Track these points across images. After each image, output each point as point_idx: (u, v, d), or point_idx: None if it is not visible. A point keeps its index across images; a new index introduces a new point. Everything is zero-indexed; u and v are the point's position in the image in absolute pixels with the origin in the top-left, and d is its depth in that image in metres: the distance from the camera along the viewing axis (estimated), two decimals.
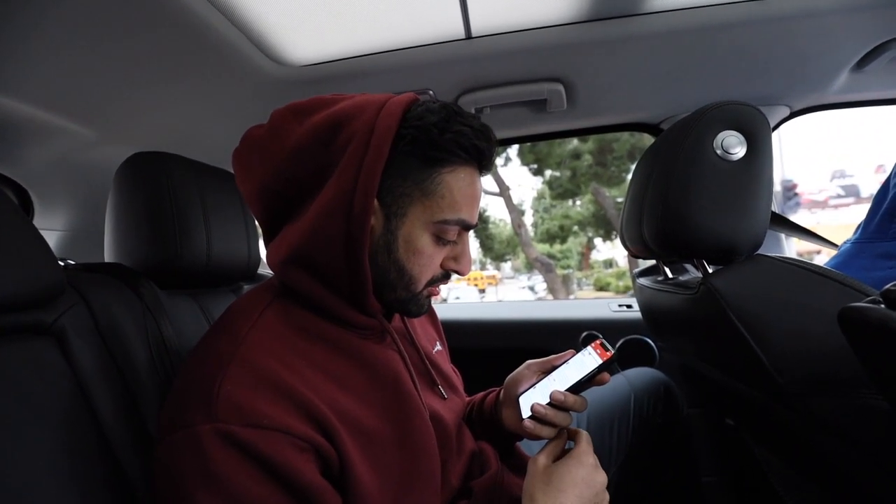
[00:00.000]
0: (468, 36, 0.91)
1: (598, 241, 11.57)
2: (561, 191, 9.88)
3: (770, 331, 0.58)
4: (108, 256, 0.77)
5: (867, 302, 0.46)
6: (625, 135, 8.20)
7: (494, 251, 11.72)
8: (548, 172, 9.80)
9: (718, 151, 0.65)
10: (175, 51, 0.81)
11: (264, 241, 0.60)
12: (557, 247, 11.17)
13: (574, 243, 11.37)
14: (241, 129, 0.59)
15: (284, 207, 0.55)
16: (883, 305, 0.44)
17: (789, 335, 0.57)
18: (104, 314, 0.59)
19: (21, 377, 0.49)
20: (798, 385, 0.55)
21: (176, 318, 0.70)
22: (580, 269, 11.92)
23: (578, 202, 10.67)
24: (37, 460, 0.46)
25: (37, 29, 0.70)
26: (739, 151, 0.64)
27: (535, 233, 11.29)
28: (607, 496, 0.57)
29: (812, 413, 0.55)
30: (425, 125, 0.51)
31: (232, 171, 0.86)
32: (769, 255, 0.64)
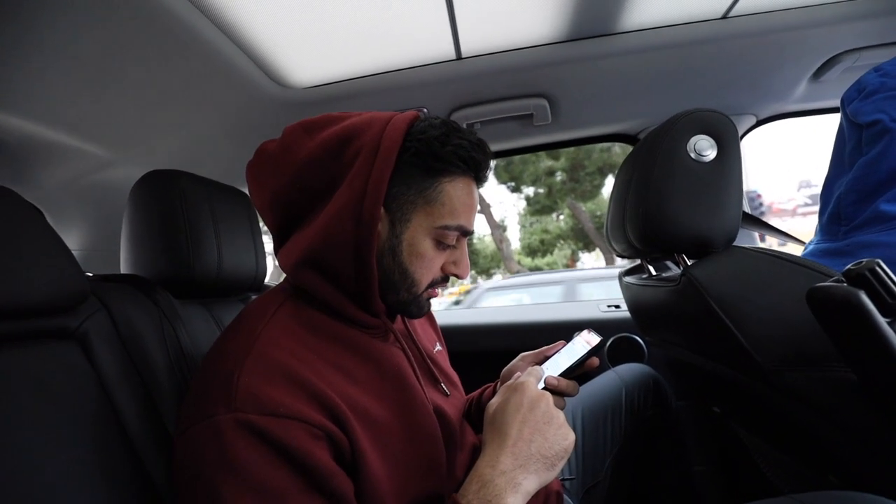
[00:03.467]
0: (458, 56, 0.98)
1: (580, 253, 11.87)
2: (539, 207, 10.19)
3: (746, 313, 0.63)
4: (124, 269, 0.80)
5: (831, 282, 0.52)
6: (595, 152, 8.52)
7: (479, 266, 11.89)
8: (527, 189, 10.10)
9: (692, 154, 0.71)
10: (185, 74, 0.86)
11: (274, 247, 0.64)
12: (547, 259, 11.46)
13: (559, 255, 11.61)
14: (249, 149, 0.63)
15: (295, 215, 0.59)
16: (845, 284, 0.50)
17: (764, 316, 0.62)
18: (124, 320, 0.62)
19: (49, 378, 0.51)
20: (774, 362, 0.60)
21: (189, 325, 0.72)
22: None
23: (560, 217, 10.93)
24: (66, 455, 0.48)
25: (56, 55, 0.74)
26: (710, 154, 0.71)
27: (521, 247, 11.48)
28: (561, 415, 0.55)
29: (788, 388, 0.60)
30: (428, 139, 0.56)
31: (240, 189, 0.91)
32: (743, 245, 0.70)
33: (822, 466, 0.71)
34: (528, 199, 10.21)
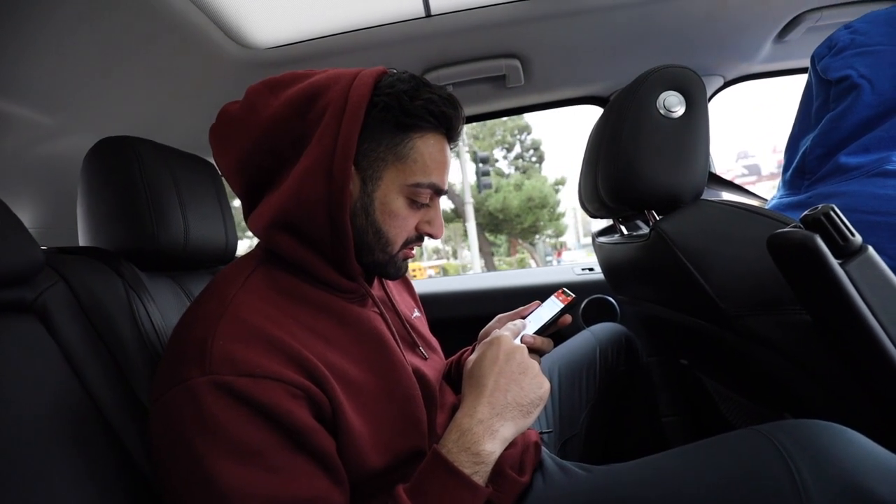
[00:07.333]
0: (428, 14, 0.94)
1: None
2: None
3: (712, 263, 0.65)
4: (82, 243, 0.75)
5: (789, 228, 0.54)
6: None
7: None
8: None
9: (661, 110, 0.72)
10: (135, 34, 0.80)
11: (244, 213, 0.62)
12: (499, 236, 12.72)
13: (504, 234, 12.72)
14: (209, 115, 0.60)
15: (264, 178, 0.57)
16: (803, 230, 0.52)
17: (728, 265, 0.64)
18: (85, 292, 0.59)
19: (10, 352, 0.49)
20: (737, 308, 0.63)
21: (158, 297, 0.70)
22: (509, 255, 13.34)
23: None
24: (39, 430, 0.46)
25: None
26: (679, 110, 0.72)
27: None
28: (536, 365, 0.58)
29: (750, 332, 0.63)
30: (396, 93, 0.54)
31: (203, 157, 0.87)
32: (708, 199, 0.72)
33: (779, 405, 0.76)
34: None
